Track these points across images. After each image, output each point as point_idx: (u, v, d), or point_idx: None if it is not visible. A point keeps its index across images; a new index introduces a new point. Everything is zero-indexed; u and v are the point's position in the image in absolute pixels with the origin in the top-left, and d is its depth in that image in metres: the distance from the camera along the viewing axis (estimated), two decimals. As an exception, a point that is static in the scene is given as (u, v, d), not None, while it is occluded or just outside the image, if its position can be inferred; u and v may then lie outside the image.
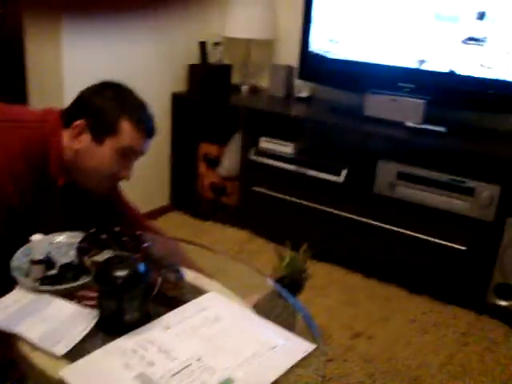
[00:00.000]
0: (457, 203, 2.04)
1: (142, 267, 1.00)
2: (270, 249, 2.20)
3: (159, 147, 2.61)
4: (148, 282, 1.01)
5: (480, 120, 2.30)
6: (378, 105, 2.23)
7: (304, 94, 2.62)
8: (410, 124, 2.15)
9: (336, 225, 2.32)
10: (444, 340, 1.94)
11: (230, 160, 2.63)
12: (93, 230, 1.21)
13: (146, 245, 1.19)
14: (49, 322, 1.01)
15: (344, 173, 2.25)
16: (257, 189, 2.47)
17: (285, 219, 2.45)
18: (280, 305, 1.22)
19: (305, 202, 2.36)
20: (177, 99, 2.66)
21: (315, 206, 2.34)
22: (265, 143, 2.42)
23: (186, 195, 2.82)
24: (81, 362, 0.91)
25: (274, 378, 0.91)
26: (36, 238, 1.17)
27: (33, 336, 0.97)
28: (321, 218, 2.34)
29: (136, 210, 1.53)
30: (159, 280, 1.06)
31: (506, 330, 2.02)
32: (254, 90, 2.75)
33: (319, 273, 2.28)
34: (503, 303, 2.05)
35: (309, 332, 1.09)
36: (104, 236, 1.21)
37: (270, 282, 1.30)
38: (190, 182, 2.81)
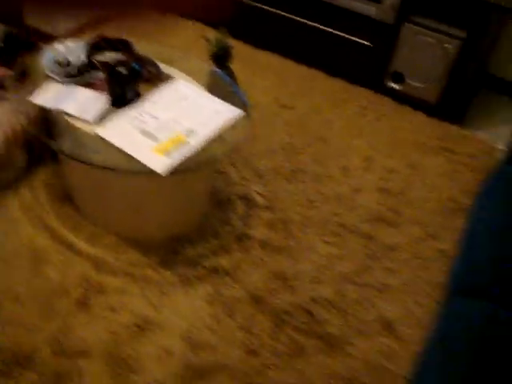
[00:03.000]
0: (367, 8, 2.59)
1: (135, 65, 1.60)
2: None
3: None
4: (140, 74, 1.62)
5: None
6: None
7: None
8: None
9: (274, 22, 2.85)
10: (347, 110, 2.66)
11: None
12: (95, 39, 1.77)
13: (133, 48, 1.77)
14: (78, 101, 1.63)
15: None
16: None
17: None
18: (222, 84, 1.88)
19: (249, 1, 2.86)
20: None
21: (257, 4, 2.84)
22: None
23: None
24: (106, 124, 1.56)
25: (215, 129, 1.59)
26: (57, 46, 1.73)
27: (71, 110, 1.60)
28: (265, 16, 2.86)
29: None
30: (145, 73, 1.67)
31: (394, 106, 2.75)
32: None
33: (260, 59, 2.89)
34: (396, 86, 2.75)
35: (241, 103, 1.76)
36: (103, 43, 1.77)
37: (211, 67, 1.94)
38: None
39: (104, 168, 1.45)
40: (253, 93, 2.62)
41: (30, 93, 1.65)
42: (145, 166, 1.43)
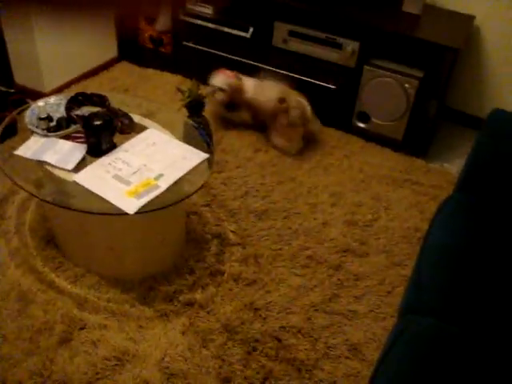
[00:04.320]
0: (330, 54, 2.80)
1: (109, 117, 1.77)
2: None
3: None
4: (113, 125, 1.79)
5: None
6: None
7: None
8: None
9: (244, 70, 3.05)
10: (317, 150, 2.83)
11: (164, 17, 3.23)
12: (73, 95, 1.95)
13: (108, 102, 1.94)
14: (59, 153, 1.80)
15: (251, 30, 2.93)
16: (185, 43, 3.13)
17: (207, 66, 3.16)
18: (193, 132, 2.04)
19: (221, 53, 3.06)
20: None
21: (229, 56, 3.04)
22: (190, 5, 3.03)
23: (131, 47, 3.44)
24: (82, 172, 1.72)
25: (182, 173, 1.75)
26: (40, 102, 1.91)
27: (52, 160, 1.76)
28: (233, 65, 3.06)
29: None
30: (119, 124, 1.84)
31: (362, 144, 2.93)
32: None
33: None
34: (362, 125, 2.93)
35: (211, 148, 1.92)
36: (81, 97, 1.95)
37: (186, 119, 2.11)
38: (133, 36, 3.42)
39: (80, 211, 1.59)
40: (228, 138, 2.80)
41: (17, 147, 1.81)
42: (116, 207, 1.58)
